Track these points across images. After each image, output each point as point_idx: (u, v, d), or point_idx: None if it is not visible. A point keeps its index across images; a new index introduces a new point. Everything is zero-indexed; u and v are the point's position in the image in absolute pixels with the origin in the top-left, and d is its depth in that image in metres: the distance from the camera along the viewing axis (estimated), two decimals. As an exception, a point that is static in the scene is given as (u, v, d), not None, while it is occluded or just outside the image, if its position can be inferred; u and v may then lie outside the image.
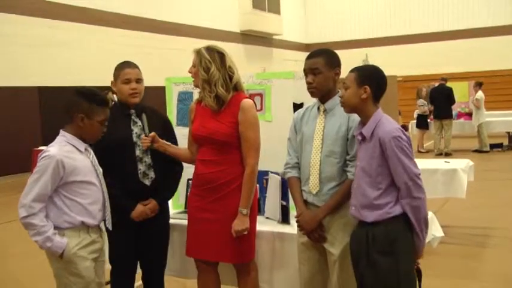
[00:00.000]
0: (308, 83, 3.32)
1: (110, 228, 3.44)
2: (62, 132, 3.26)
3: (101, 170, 3.39)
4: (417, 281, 3.09)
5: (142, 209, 3.67)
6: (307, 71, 3.32)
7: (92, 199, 3.24)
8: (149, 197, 3.71)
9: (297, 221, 3.36)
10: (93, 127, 3.25)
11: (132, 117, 3.75)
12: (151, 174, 3.72)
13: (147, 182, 3.70)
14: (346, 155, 3.26)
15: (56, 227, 3.14)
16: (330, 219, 3.28)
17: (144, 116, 3.71)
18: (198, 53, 3.56)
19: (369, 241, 2.96)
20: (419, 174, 2.91)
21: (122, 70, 3.73)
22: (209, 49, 3.55)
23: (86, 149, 3.29)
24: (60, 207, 3.16)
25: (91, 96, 3.24)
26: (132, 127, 3.73)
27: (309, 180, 3.33)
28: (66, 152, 3.17)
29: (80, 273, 3.17)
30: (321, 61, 3.28)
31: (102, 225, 3.43)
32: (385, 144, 2.88)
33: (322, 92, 3.31)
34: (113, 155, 3.61)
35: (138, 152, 3.69)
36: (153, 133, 3.66)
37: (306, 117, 3.45)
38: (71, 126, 3.25)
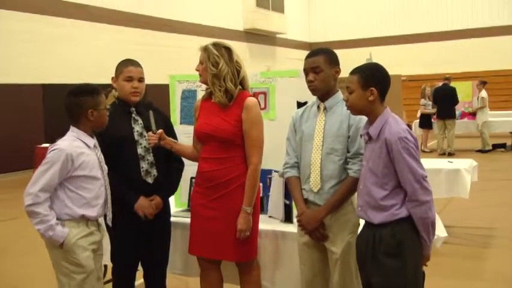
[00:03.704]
0: (309, 82, 3.32)
1: (110, 224, 3.48)
2: (72, 128, 3.35)
3: (106, 168, 3.43)
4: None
5: (144, 203, 3.64)
6: (308, 70, 3.32)
7: (95, 193, 3.31)
8: (152, 195, 3.70)
9: (298, 221, 3.36)
10: (102, 116, 3.36)
11: (133, 115, 3.74)
12: (154, 172, 3.71)
13: (150, 180, 3.69)
14: (347, 153, 3.25)
15: (56, 218, 3.21)
16: (331, 218, 3.28)
17: (151, 113, 3.70)
18: (205, 49, 3.56)
19: (376, 243, 2.92)
20: (426, 176, 2.85)
21: (125, 67, 3.73)
22: (216, 45, 3.56)
23: (94, 146, 3.36)
24: (62, 200, 3.24)
25: (89, 90, 3.35)
26: (133, 125, 3.72)
27: (310, 178, 3.32)
28: (76, 147, 3.26)
29: (80, 262, 3.23)
30: (322, 59, 3.29)
31: (101, 219, 3.47)
32: (391, 145, 2.83)
33: (323, 90, 3.31)
34: (114, 154, 3.60)
35: (140, 150, 3.68)
36: (160, 130, 3.66)
37: (305, 116, 3.45)
38: (80, 124, 3.33)
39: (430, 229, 2.90)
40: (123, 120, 3.72)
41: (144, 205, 3.65)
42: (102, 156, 3.43)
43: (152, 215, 3.69)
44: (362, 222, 3.19)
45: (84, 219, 3.28)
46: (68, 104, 3.33)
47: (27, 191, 3.17)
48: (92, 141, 3.35)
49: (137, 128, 3.72)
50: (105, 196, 3.38)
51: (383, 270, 2.90)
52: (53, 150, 3.22)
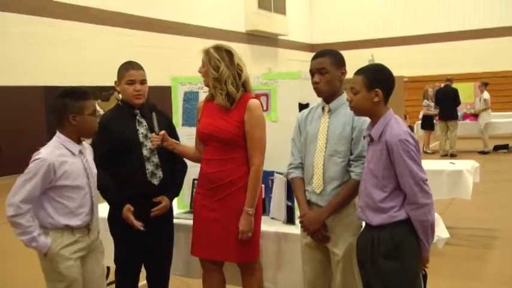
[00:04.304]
0: (315, 83, 3.32)
1: (97, 231, 3.47)
2: (57, 133, 3.30)
3: (94, 172, 3.40)
4: (423, 284, 3.06)
5: (126, 214, 3.62)
6: (314, 71, 3.32)
7: (79, 203, 3.27)
8: (157, 196, 3.71)
9: (301, 222, 3.36)
10: (86, 121, 3.27)
11: (137, 117, 3.76)
12: (159, 173, 3.72)
13: (156, 182, 3.71)
14: (350, 155, 3.25)
15: (40, 226, 3.20)
16: (334, 219, 3.28)
17: (154, 115, 3.71)
18: (206, 52, 3.58)
19: (374, 244, 2.92)
20: (426, 179, 2.84)
21: (126, 71, 3.74)
22: (217, 48, 3.57)
23: (80, 152, 3.31)
24: (45, 209, 3.21)
25: (75, 93, 3.28)
26: (138, 127, 3.73)
27: (313, 179, 3.33)
28: (59, 155, 3.20)
29: (61, 272, 3.22)
30: (328, 61, 3.28)
31: (95, 222, 3.44)
32: (391, 148, 2.82)
33: (328, 91, 3.31)
34: (120, 156, 3.62)
35: (145, 152, 3.69)
36: (163, 131, 3.67)
37: (310, 117, 3.45)
38: (64, 129, 3.28)
39: (429, 232, 2.89)
40: (128, 122, 3.73)
41: (127, 217, 3.62)
42: (90, 161, 3.39)
43: (162, 212, 3.72)
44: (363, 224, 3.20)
45: (69, 228, 3.26)
46: (52, 106, 3.30)
47: (9, 201, 3.11)
48: (77, 148, 3.29)
49: (142, 130, 3.73)
50: (90, 204, 3.34)
51: (381, 272, 2.90)
52: (35, 160, 3.16)
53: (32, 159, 3.18)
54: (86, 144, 3.45)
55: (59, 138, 3.27)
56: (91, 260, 3.41)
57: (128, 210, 3.61)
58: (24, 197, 3.10)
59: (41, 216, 3.21)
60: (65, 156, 3.22)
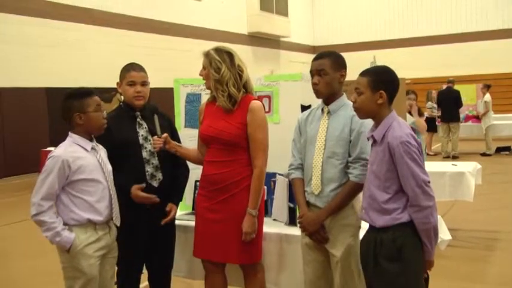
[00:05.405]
0: (314, 84, 3.34)
1: (118, 224, 3.50)
2: (70, 134, 3.39)
3: (110, 168, 3.46)
4: (425, 286, 3.05)
5: (137, 194, 3.63)
6: (314, 72, 3.33)
7: (98, 196, 3.34)
8: (157, 198, 3.72)
9: (300, 222, 3.38)
10: (91, 118, 3.35)
11: (138, 119, 3.77)
12: (159, 175, 3.73)
13: (155, 184, 3.71)
14: (349, 157, 3.26)
15: (64, 224, 3.27)
16: (332, 221, 3.29)
17: (156, 117, 3.72)
18: (207, 54, 3.59)
19: (377, 246, 2.92)
20: (429, 181, 2.83)
21: (127, 72, 3.76)
22: (218, 50, 3.58)
23: (92, 148, 3.38)
24: (67, 205, 3.29)
25: (76, 93, 3.38)
26: (138, 129, 3.74)
27: (312, 181, 3.34)
28: (72, 152, 3.30)
29: (83, 269, 3.28)
30: (328, 62, 3.30)
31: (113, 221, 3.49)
32: (393, 149, 2.82)
33: (327, 93, 3.32)
34: (119, 157, 3.62)
35: (145, 154, 3.70)
36: (165, 134, 3.68)
37: (310, 118, 3.47)
38: (75, 129, 3.38)
39: (432, 234, 2.87)
40: (128, 124, 3.75)
41: (138, 195, 3.63)
42: (104, 158, 3.45)
43: (172, 218, 3.81)
44: (363, 225, 3.20)
45: (92, 224, 3.32)
46: (61, 109, 3.39)
47: (32, 201, 3.24)
48: (90, 145, 3.38)
49: (142, 132, 3.74)
50: (109, 197, 3.40)
51: (384, 275, 2.89)
52: (49, 158, 3.28)
53: (47, 159, 3.29)
54: (100, 145, 3.50)
55: (71, 137, 3.38)
56: (107, 261, 3.46)
57: (136, 189, 3.62)
58: (43, 195, 3.22)
59: (63, 213, 3.29)
60: (78, 152, 3.32)
